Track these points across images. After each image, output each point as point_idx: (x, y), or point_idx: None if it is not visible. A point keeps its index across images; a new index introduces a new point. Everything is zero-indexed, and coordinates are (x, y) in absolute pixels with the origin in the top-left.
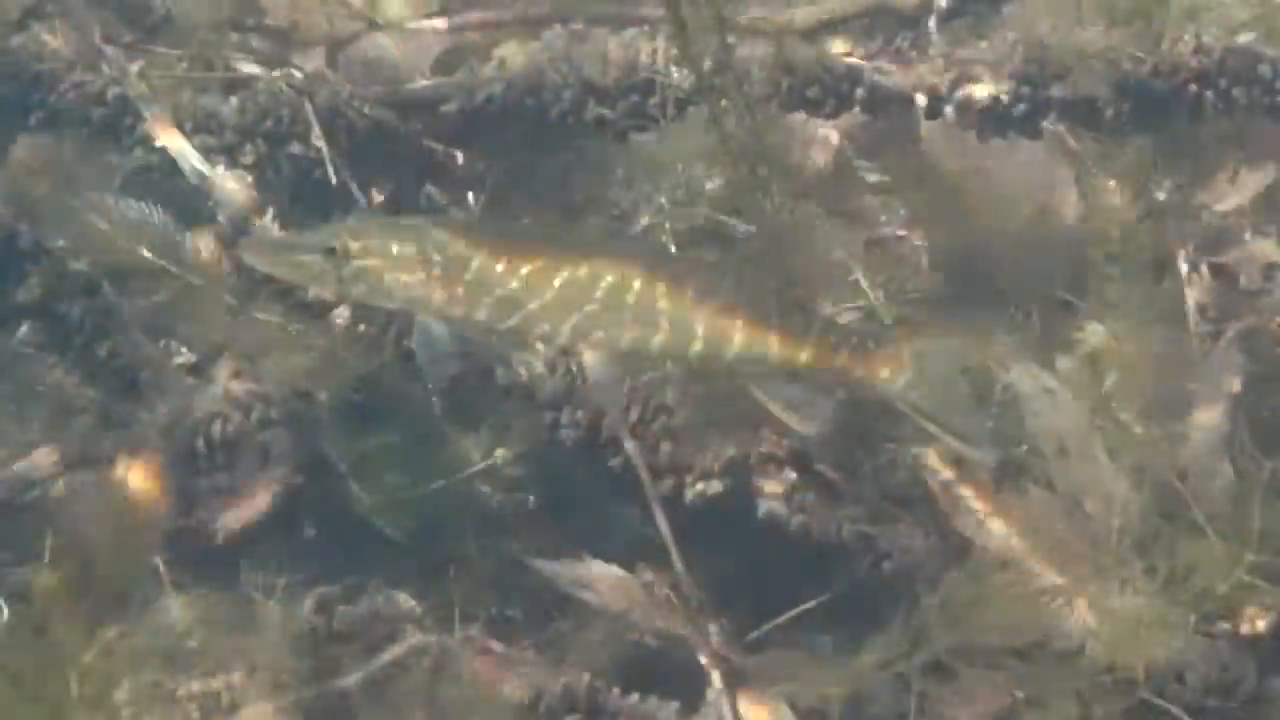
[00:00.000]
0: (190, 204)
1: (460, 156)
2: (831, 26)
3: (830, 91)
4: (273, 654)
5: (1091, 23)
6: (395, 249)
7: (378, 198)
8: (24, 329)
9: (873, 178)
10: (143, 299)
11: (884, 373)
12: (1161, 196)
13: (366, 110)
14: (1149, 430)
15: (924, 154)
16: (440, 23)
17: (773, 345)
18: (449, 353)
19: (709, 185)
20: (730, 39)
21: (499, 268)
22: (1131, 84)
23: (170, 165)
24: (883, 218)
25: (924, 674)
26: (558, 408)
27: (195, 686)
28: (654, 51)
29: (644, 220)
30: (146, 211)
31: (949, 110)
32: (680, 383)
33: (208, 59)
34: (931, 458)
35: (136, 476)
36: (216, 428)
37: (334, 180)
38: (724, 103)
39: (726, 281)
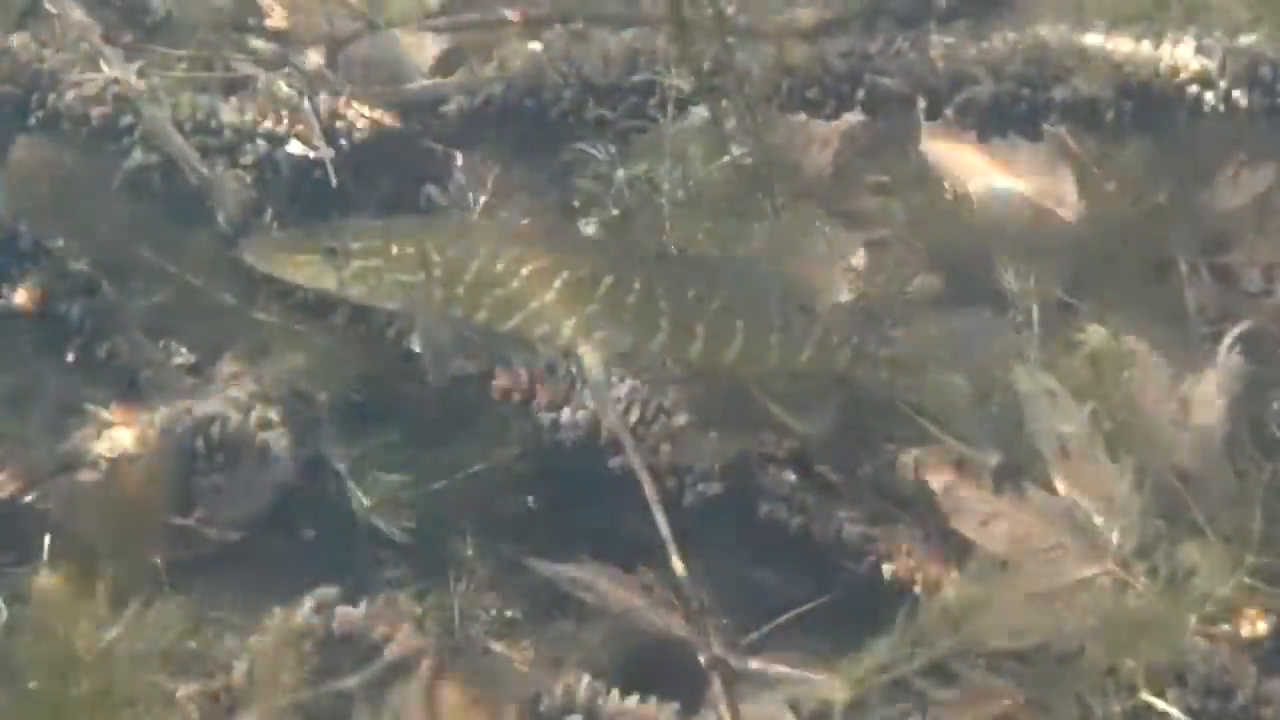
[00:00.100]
0: (190, 204)
1: (460, 156)
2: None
3: (830, 92)
4: (273, 654)
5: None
6: (395, 249)
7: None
8: (24, 329)
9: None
10: (143, 299)
11: (884, 373)
12: (1161, 197)
13: (366, 110)
14: (1149, 431)
15: (924, 154)
16: (440, 23)
17: (773, 345)
18: (450, 353)
19: (709, 185)
20: (730, 39)
21: (499, 268)
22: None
23: (170, 165)
24: (882, 218)
25: (924, 676)
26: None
27: (195, 686)
28: (654, 51)
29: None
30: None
31: (949, 111)
32: (680, 383)
33: (208, 59)
34: (932, 458)
35: (136, 475)
36: (216, 428)
37: (333, 181)
38: (724, 103)
39: (726, 281)
